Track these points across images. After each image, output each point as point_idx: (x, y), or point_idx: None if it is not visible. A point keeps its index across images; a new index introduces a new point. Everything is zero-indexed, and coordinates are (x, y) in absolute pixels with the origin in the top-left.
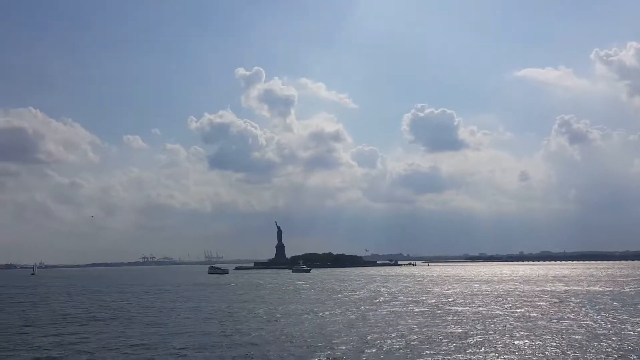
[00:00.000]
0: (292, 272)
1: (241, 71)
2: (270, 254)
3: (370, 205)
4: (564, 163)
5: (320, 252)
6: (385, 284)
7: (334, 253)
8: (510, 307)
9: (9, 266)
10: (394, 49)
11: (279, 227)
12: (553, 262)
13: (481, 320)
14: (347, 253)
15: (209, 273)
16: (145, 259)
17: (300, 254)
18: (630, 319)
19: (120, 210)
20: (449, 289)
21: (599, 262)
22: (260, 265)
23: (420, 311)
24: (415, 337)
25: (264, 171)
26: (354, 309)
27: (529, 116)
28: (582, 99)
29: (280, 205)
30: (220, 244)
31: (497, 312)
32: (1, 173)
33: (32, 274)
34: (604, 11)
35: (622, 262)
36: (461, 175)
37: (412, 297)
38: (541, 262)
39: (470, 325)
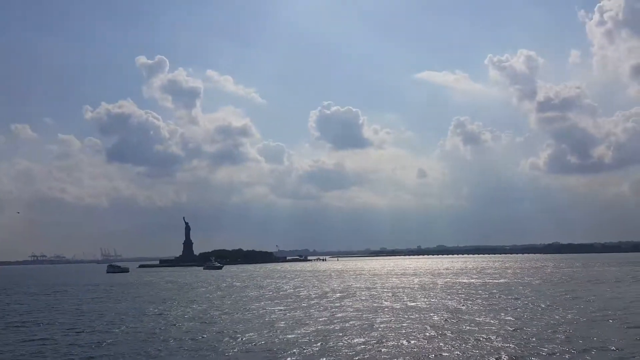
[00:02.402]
0: (204, 269)
1: (142, 59)
2: (175, 251)
3: (277, 201)
4: (458, 162)
5: (229, 248)
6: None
7: (244, 249)
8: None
9: None
10: (304, 46)
11: (187, 223)
12: (449, 256)
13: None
14: (256, 249)
15: (107, 272)
16: (35, 258)
17: (209, 250)
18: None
19: (6, 205)
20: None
21: (491, 255)
22: (166, 262)
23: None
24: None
25: (166, 165)
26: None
27: (428, 117)
28: (476, 102)
29: (185, 200)
30: (119, 242)
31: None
32: None
33: None
34: (498, 19)
35: (514, 255)
36: (365, 172)
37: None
38: (438, 256)
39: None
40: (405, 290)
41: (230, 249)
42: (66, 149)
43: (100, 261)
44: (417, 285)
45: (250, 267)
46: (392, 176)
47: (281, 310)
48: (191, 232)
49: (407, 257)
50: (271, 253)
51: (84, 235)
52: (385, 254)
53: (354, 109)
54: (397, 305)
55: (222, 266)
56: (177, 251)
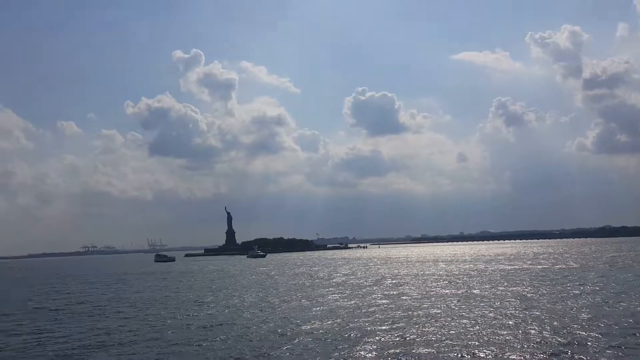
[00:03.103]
0: (247, 257)
1: (179, 54)
2: (217, 240)
3: (313, 189)
4: (500, 145)
5: (267, 237)
6: (380, 266)
7: (280, 237)
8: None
9: None
10: (336, 33)
11: (228, 213)
12: (494, 242)
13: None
14: (293, 237)
15: (155, 261)
16: (87, 249)
17: (248, 239)
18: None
19: (57, 199)
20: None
21: (539, 240)
22: (210, 251)
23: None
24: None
25: (205, 157)
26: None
27: (467, 99)
28: (518, 81)
29: (223, 191)
30: (163, 232)
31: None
32: None
33: None
34: None
35: (564, 240)
36: (401, 158)
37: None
38: (482, 242)
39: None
40: (462, 278)
41: (268, 237)
42: (110, 144)
43: (148, 251)
44: (473, 272)
45: (292, 255)
46: (431, 161)
47: (341, 297)
48: (232, 222)
49: (450, 243)
50: (311, 241)
51: (131, 226)
52: (427, 241)
53: (389, 94)
54: (460, 292)
55: (265, 254)
56: (219, 240)
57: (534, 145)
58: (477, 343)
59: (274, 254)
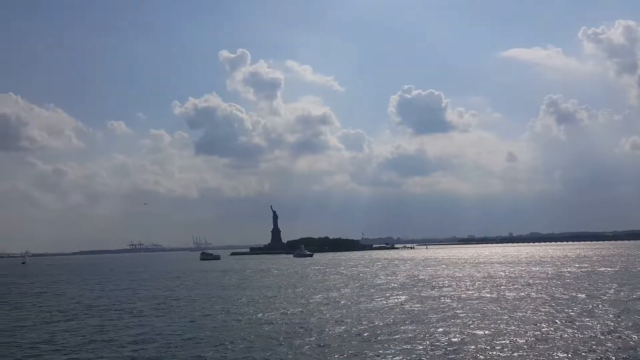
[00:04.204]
0: (294, 256)
1: (225, 54)
2: (260, 239)
3: (357, 188)
4: (550, 143)
5: (311, 236)
6: (445, 268)
7: (325, 237)
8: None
9: None
10: (380, 31)
11: (274, 212)
12: (546, 243)
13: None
14: (339, 237)
15: (201, 259)
16: (134, 246)
17: (292, 238)
18: None
19: (106, 197)
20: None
21: (593, 242)
22: (256, 250)
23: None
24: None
25: (250, 156)
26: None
27: (517, 97)
28: (570, 78)
29: (267, 190)
30: (207, 230)
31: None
32: None
33: (23, 263)
34: None
35: (618, 242)
36: (448, 158)
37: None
38: (532, 244)
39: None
40: (536, 281)
41: (312, 236)
42: (158, 143)
43: (193, 249)
44: (544, 274)
45: (339, 254)
46: (478, 161)
47: (407, 299)
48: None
49: (500, 244)
50: (357, 241)
51: (176, 224)
52: (475, 242)
53: (436, 92)
54: (542, 296)
55: (312, 254)
56: (262, 238)
57: (586, 144)
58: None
59: (320, 254)
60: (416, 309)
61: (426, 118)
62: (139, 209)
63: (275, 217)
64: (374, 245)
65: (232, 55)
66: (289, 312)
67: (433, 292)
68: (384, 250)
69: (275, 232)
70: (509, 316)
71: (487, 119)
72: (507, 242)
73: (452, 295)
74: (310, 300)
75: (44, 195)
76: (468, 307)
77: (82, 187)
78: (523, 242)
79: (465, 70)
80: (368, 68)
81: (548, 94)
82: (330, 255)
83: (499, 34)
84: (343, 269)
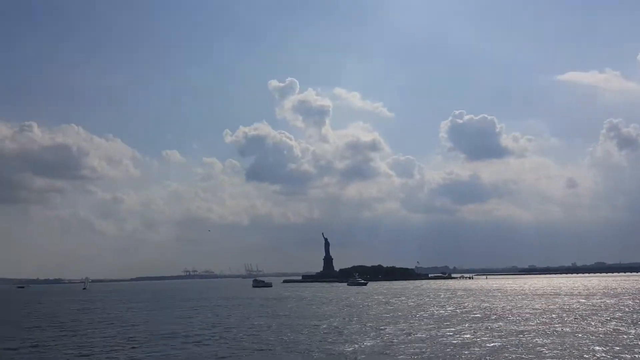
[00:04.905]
0: (348, 285)
1: (274, 83)
2: (311, 266)
3: (409, 215)
4: (612, 169)
5: (362, 264)
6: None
7: (379, 265)
8: None
9: (58, 281)
10: (429, 54)
11: (326, 239)
12: (614, 274)
13: None
14: (390, 265)
15: (253, 286)
16: (188, 273)
17: (344, 266)
18: None
19: (161, 224)
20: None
21: None
22: (308, 278)
23: None
24: None
25: (300, 182)
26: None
27: (575, 121)
28: (631, 102)
29: (317, 217)
30: (258, 257)
31: None
32: (47, 189)
33: (84, 289)
34: None
35: None
36: (504, 184)
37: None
38: (599, 274)
39: None
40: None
41: (363, 264)
42: (210, 171)
43: (245, 276)
44: (629, 307)
45: (394, 283)
46: (536, 187)
47: (494, 336)
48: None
49: (564, 275)
50: (411, 269)
51: (228, 251)
52: (536, 272)
53: (489, 117)
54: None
55: (367, 283)
56: (312, 266)
57: None
58: None
59: (374, 282)
60: (513, 343)
61: (479, 143)
62: (192, 235)
63: (327, 244)
64: (429, 275)
65: (281, 84)
66: (364, 344)
67: (527, 326)
68: (441, 280)
69: (328, 259)
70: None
71: (545, 144)
72: (572, 273)
73: (543, 329)
74: (386, 331)
75: (102, 223)
76: (568, 343)
77: (139, 214)
78: (588, 273)
79: (519, 93)
80: (417, 93)
81: (608, 118)
82: (385, 284)
83: (556, 56)
84: (410, 300)
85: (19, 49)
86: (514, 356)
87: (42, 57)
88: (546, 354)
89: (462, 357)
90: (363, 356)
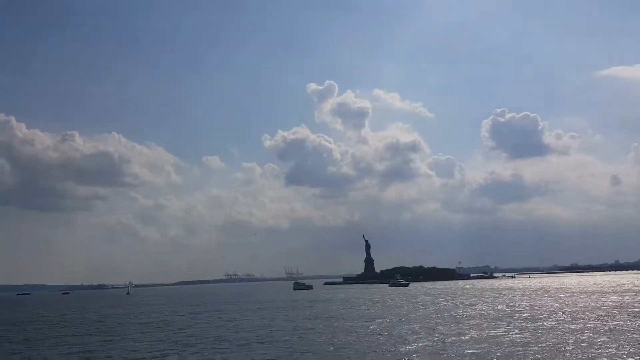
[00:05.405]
0: (389, 286)
1: (313, 86)
2: (349, 268)
3: (449, 216)
4: None
5: (403, 265)
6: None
7: (420, 266)
8: None
9: (101, 286)
10: (468, 52)
11: (367, 241)
12: None
13: None
14: (431, 266)
15: (294, 289)
16: (229, 276)
17: (384, 267)
18: None
19: (202, 229)
20: None
21: None
22: (349, 280)
23: None
24: None
25: (339, 185)
26: None
27: (619, 117)
28: None
29: (357, 219)
30: (298, 260)
31: None
32: (91, 197)
33: (127, 294)
34: None
35: None
36: (546, 182)
37: None
38: None
39: None
40: None
41: (404, 265)
42: (250, 176)
43: (285, 279)
44: None
45: (436, 284)
46: (580, 185)
47: (549, 335)
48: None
49: (607, 272)
50: (452, 270)
51: (269, 254)
52: (579, 270)
53: (531, 114)
54: None
55: (408, 284)
56: (352, 268)
57: None
58: None
59: (415, 283)
60: (569, 342)
61: (522, 142)
62: (233, 239)
63: (367, 246)
64: (471, 275)
65: (320, 87)
66: (417, 345)
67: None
68: (484, 280)
69: (369, 261)
70: None
71: (588, 141)
72: (615, 270)
73: (597, 327)
74: (438, 331)
75: (145, 228)
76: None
77: (180, 219)
78: (632, 270)
79: (562, 90)
80: (457, 92)
81: None
82: (427, 285)
83: (598, 51)
84: (456, 300)
85: (60, 60)
86: (572, 356)
87: (82, 68)
88: (603, 352)
89: (519, 357)
90: (420, 356)
